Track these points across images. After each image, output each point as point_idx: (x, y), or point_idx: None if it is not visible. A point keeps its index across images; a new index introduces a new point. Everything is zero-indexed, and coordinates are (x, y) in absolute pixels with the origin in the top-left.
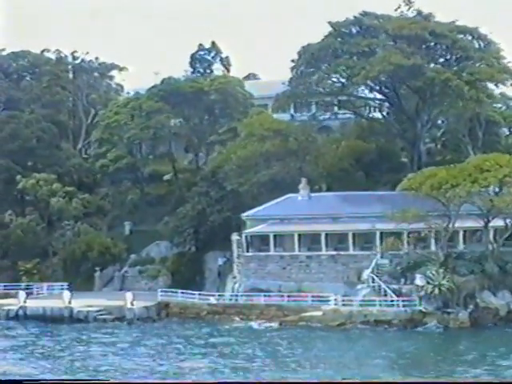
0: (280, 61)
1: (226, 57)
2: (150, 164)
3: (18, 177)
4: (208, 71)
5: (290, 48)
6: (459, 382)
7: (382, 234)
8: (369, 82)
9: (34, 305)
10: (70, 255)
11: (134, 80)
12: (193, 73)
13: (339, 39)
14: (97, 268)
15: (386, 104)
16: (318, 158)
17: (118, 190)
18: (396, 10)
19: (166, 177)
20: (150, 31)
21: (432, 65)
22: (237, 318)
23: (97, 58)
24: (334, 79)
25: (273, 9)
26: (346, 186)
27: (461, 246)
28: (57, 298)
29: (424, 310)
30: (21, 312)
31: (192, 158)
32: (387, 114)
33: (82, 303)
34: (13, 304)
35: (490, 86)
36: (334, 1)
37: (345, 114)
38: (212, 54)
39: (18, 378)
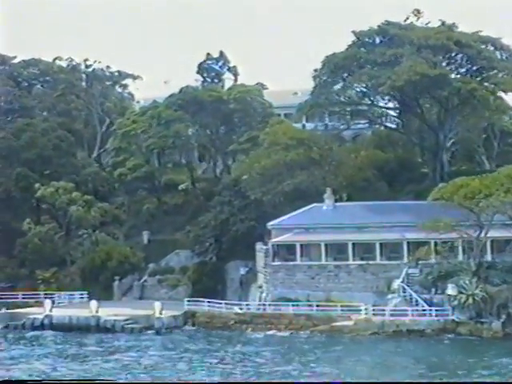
0: (286, 71)
1: (234, 66)
2: (167, 173)
3: (37, 185)
4: (216, 80)
5: (298, 58)
6: (459, 382)
7: (408, 243)
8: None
9: (59, 314)
10: (89, 264)
11: (143, 88)
12: (203, 82)
13: (362, 49)
14: (116, 277)
15: (405, 113)
16: (338, 167)
17: (134, 199)
18: (405, 20)
19: (182, 186)
20: (154, 38)
21: (455, 75)
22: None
23: (108, 67)
24: (357, 89)
25: (279, 19)
26: (368, 196)
27: (492, 256)
28: (78, 307)
29: (457, 319)
30: (46, 321)
31: (206, 167)
32: (405, 123)
33: (108, 312)
34: (38, 313)
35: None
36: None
37: (358, 123)
38: (220, 64)
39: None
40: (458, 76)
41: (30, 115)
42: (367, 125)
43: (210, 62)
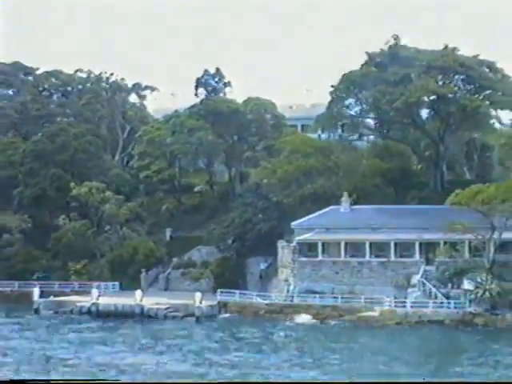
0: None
1: (228, 81)
2: (187, 176)
3: (72, 184)
4: (212, 94)
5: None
6: (459, 382)
7: (421, 244)
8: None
9: (105, 302)
10: (118, 257)
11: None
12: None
13: (373, 68)
14: (142, 270)
15: (408, 126)
16: (349, 174)
17: (153, 199)
18: (386, 44)
19: (197, 188)
20: (154, 50)
21: (460, 93)
22: (303, 315)
23: (122, 79)
24: (366, 105)
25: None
26: (376, 201)
27: (505, 256)
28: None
29: (474, 311)
30: (93, 308)
31: (220, 172)
32: (406, 135)
33: (150, 301)
34: (84, 301)
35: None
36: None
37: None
38: (216, 79)
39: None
40: (460, 95)
41: (55, 121)
42: (375, 136)
43: (207, 77)
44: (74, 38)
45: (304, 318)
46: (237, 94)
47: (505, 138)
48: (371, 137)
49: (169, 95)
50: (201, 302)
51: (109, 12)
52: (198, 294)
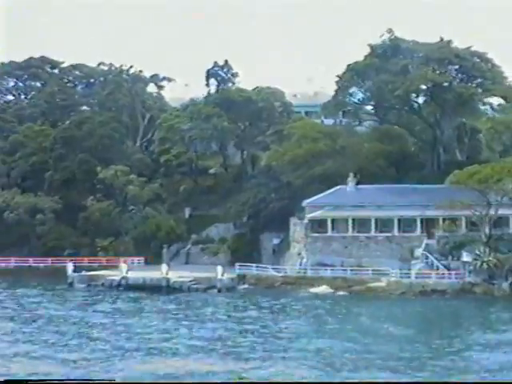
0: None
1: (236, 72)
2: (203, 159)
3: (99, 168)
4: (222, 84)
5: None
6: (459, 382)
7: (422, 220)
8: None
9: (134, 275)
10: (142, 234)
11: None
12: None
13: (376, 59)
14: (164, 245)
15: (406, 112)
16: (353, 156)
17: (171, 180)
18: (380, 37)
19: (212, 170)
20: (163, 42)
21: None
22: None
23: (141, 71)
24: (373, 92)
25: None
26: (378, 181)
27: (500, 230)
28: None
29: (473, 281)
30: (123, 282)
31: (233, 155)
32: (404, 120)
33: (175, 274)
34: (114, 275)
35: None
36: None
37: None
38: (225, 70)
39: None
40: (455, 83)
41: (80, 110)
42: (371, 122)
43: (216, 68)
44: (94, 33)
45: (320, 289)
46: (245, 83)
47: (491, 123)
48: (371, 122)
49: (182, 85)
50: (222, 275)
51: (120, 8)
52: (220, 268)
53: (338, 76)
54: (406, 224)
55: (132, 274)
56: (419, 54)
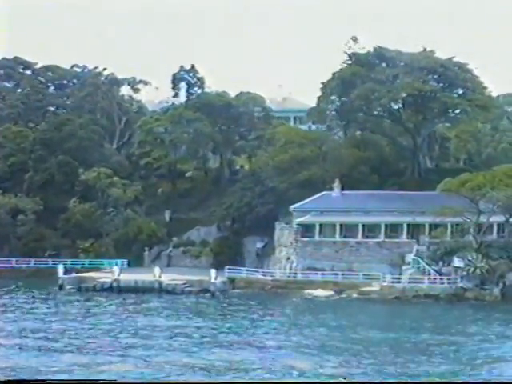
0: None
1: (202, 77)
2: (183, 162)
3: (81, 170)
4: (191, 88)
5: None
6: (459, 382)
7: (408, 225)
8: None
9: (126, 278)
10: (123, 236)
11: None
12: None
13: (361, 68)
14: (146, 248)
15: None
16: (335, 162)
17: (148, 183)
18: (346, 44)
19: (188, 174)
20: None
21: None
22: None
23: (112, 73)
24: (358, 100)
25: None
26: (360, 187)
27: (490, 237)
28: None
29: (465, 286)
30: (115, 284)
31: (211, 159)
32: (383, 127)
33: (168, 277)
34: (106, 277)
35: None
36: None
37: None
38: (191, 74)
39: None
40: (438, 93)
41: (55, 112)
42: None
43: (182, 72)
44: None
45: (318, 293)
46: (215, 87)
47: (456, 131)
48: (350, 129)
49: (153, 89)
50: (216, 279)
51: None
52: (213, 271)
53: (322, 83)
54: (392, 230)
55: (124, 277)
56: (402, 63)
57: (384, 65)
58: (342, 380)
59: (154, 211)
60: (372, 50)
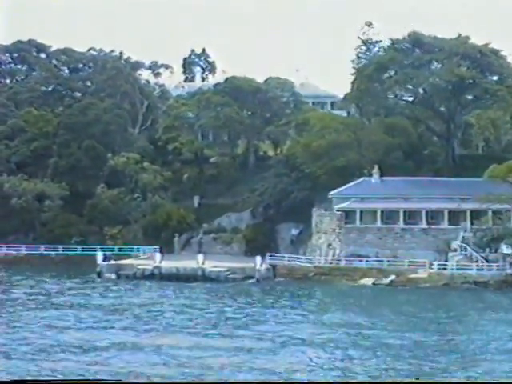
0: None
1: (213, 61)
2: (211, 148)
3: (109, 155)
4: (200, 72)
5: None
6: (459, 383)
7: (450, 212)
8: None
9: (168, 265)
10: (153, 223)
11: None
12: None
13: (397, 53)
14: (175, 234)
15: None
16: (371, 148)
17: (173, 168)
18: (361, 30)
19: (213, 159)
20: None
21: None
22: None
23: (129, 57)
24: (395, 85)
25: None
26: (396, 173)
27: None
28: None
29: None
30: (156, 271)
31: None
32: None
33: (210, 264)
34: (147, 264)
35: None
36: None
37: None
38: (202, 59)
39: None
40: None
41: (75, 96)
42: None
43: (193, 57)
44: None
45: (365, 281)
46: (232, 72)
47: (476, 118)
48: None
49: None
50: (261, 265)
51: None
52: (259, 258)
53: (356, 69)
54: (434, 217)
55: (165, 264)
56: (439, 48)
57: (418, 51)
58: (343, 380)
59: (180, 197)
60: (406, 35)
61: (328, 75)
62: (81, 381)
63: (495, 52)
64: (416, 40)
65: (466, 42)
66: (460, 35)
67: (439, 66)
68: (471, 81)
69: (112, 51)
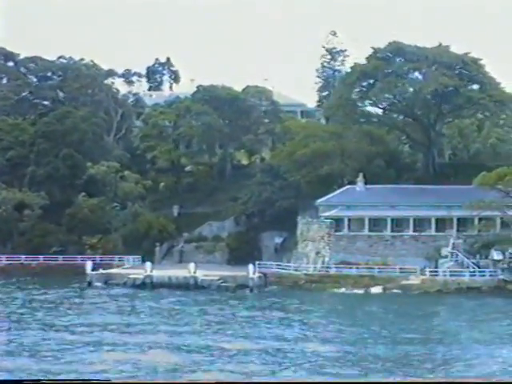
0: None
1: (176, 70)
2: (190, 157)
3: (89, 164)
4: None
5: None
6: (459, 382)
7: (437, 219)
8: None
9: (159, 274)
10: (134, 232)
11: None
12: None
13: (380, 61)
14: (157, 243)
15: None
16: (354, 156)
17: (147, 177)
18: (325, 39)
19: (188, 168)
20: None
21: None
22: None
23: (95, 64)
24: (379, 94)
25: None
26: (377, 181)
27: None
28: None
29: (506, 279)
30: (147, 280)
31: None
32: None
33: (201, 273)
34: (137, 273)
35: None
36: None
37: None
38: (166, 67)
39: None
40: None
41: (47, 105)
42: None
43: (157, 65)
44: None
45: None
46: (199, 81)
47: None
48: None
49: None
50: (254, 274)
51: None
52: (251, 266)
53: (341, 77)
54: (421, 224)
55: (157, 273)
56: (420, 57)
57: (398, 60)
58: (343, 380)
59: (158, 206)
60: (387, 44)
61: (293, 84)
62: (81, 381)
63: (475, 61)
64: (397, 49)
65: (446, 51)
66: (441, 44)
67: (420, 75)
68: (453, 89)
69: (82, 59)
